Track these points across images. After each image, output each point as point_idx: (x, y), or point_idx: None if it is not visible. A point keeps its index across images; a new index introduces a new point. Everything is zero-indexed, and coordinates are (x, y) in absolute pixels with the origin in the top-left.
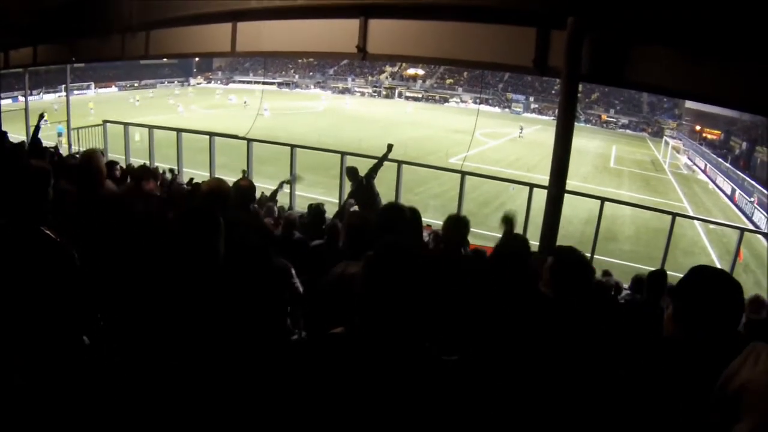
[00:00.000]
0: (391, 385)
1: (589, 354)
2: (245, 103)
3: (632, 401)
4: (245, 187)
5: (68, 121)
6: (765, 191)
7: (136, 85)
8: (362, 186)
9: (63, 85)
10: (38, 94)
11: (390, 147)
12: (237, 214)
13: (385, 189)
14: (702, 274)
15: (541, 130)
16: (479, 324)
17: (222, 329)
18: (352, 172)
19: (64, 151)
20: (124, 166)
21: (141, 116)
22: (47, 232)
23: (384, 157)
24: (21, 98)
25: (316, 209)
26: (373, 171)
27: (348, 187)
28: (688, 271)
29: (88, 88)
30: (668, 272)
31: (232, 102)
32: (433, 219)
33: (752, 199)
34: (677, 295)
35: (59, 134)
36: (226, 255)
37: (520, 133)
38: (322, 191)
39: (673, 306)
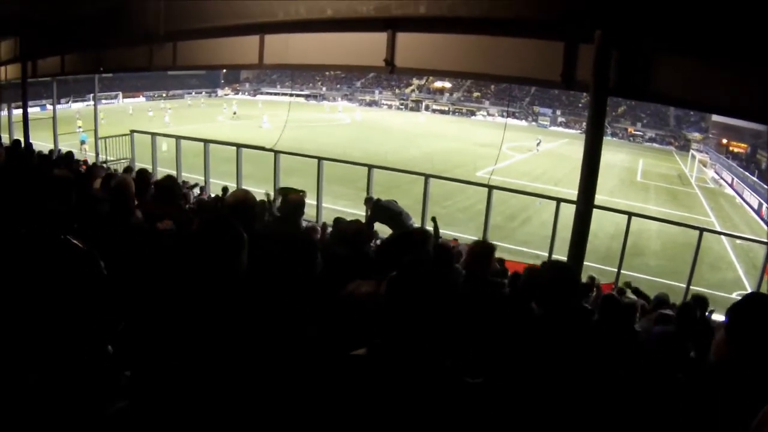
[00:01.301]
0: (413, 408)
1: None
2: (234, 113)
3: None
4: (295, 200)
5: (95, 130)
6: None
7: (164, 95)
8: (378, 207)
9: (91, 94)
10: (66, 102)
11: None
12: (286, 228)
13: (411, 202)
14: (759, 301)
15: (568, 144)
16: (508, 345)
17: (236, 343)
18: (369, 201)
19: (90, 159)
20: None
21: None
22: (71, 240)
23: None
24: (49, 107)
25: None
26: (393, 209)
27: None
28: (744, 297)
29: (115, 97)
30: (693, 287)
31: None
32: (459, 233)
33: None
34: (731, 321)
35: (82, 142)
36: (273, 268)
37: (537, 146)
38: (346, 203)
39: (726, 331)
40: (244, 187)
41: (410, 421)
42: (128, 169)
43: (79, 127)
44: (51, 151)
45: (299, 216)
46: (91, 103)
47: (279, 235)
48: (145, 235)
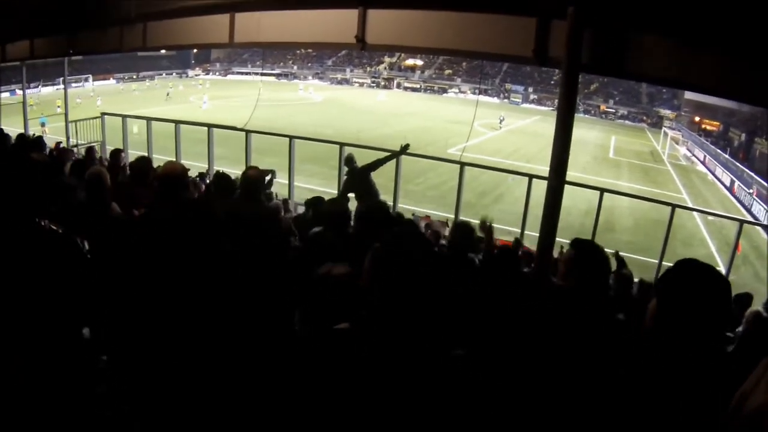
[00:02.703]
0: (399, 380)
1: (604, 348)
2: (168, 95)
3: (623, 399)
4: (253, 176)
5: (66, 114)
6: (764, 183)
7: (134, 77)
8: (354, 176)
9: (61, 78)
10: (36, 87)
11: (404, 148)
12: (247, 205)
13: (383, 180)
14: (687, 268)
15: (540, 121)
16: (492, 318)
17: (220, 323)
18: (348, 160)
19: (48, 142)
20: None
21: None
22: (48, 224)
23: (391, 156)
24: (18, 91)
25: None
26: (372, 166)
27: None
28: (674, 264)
29: (86, 80)
30: (665, 263)
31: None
32: (432, 210)
33: (751, 191)
34: (661, 287)
35: (42, 125)
36: (239, 246)
37: (501, 122)
38: (320, 182)
39: (656, 298)
40: (217, 167)
41: (396, 394)
42: (90, 150)
43: (58, 106)
44: (20, 135)
45: (260, 193)
46: (62, 87)
47: (241, 213)
48: (124, 228)
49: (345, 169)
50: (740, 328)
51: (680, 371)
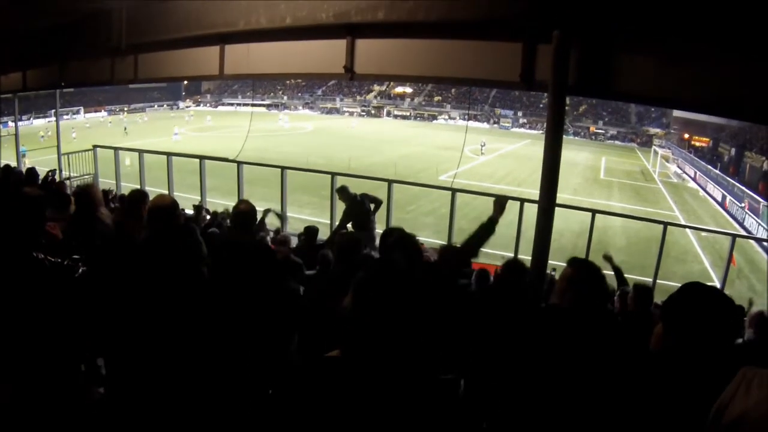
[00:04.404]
0: (388, 406)
1: (602, 364)
2: (125, 129)
3: (626, 416)
4: (245, 210)
5: (58, 146)
6: (755, 196)
7: (125, 109)
8: (357, 203)
9: (53, 110)
10: (28, 119)
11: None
12: (240, 238)
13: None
14: (693, 291)
15: (530, 144)
16: (487, 341)
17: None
18: (343, 191)
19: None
20: (117, 193)
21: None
22: (41, 256)
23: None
24: (11, 124)
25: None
26: (374, 200)
27: (339, 206)
28: (680, 288)
29: (77, 112)
30: (660, 281)
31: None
32: (425, 237)
33: (743, 205)
34: (667, 312)
35: (23, 155)
36: (236, 277)
37: (482, 147)
38: (311, 212)
39: (662, 322)
40: (209, 199)
41: (387, 419)
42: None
43: (42, 136)
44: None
45: (251, 225)
46: (53, 119)
47: (231, 243)
48: (113, 241)
49: (340, 199)
50: (740, 339)
51: (690, 393)
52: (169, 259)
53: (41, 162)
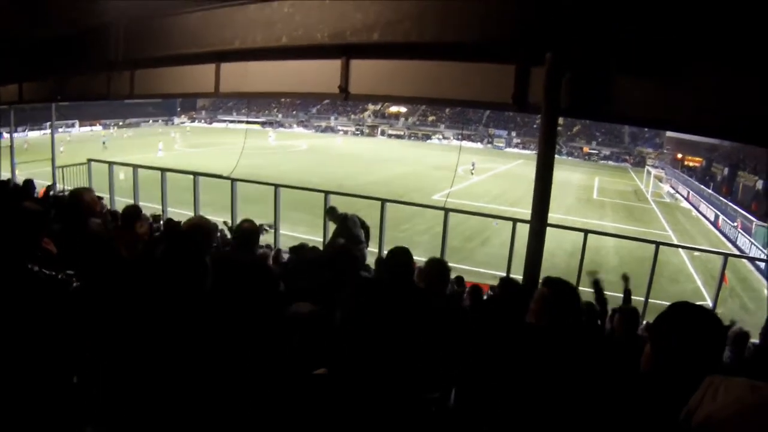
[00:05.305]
0: (374, 424)
1: (581, 385)
2: (103, 143)
3: None
4: (249, 229)
5: (53, 160)
6: (747, 215)
7: (120, 123)
8: (347, 221)
9: (48, 123)
10: (23, 131)
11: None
12: (243, 257)
13: (369, 227)
14: (680, 311)
15: (524, 165)
16: (469, 359)
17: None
18: (332, 212)
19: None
20: (108, 206)
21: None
22: (37, 269)
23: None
24: (6, 135)
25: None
26: (362, 224)
27: (331, 226)
28: (667, 308)
29: (72, 126)
30: (653, 300)
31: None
32: (419, 256)
33: (735, 224)
34: (655, 331)
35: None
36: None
37: (472, 169)
38: (305, 230)
39: (651, 342)
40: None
41: None
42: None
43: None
44: (7, 181)
45: (254, 243)
46: (48, 131)
47: (234, 260)
48: (102, 247)
49: (330, 220)
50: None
51: (677, 413)
52: (186, 278)
53: (31, 175)
